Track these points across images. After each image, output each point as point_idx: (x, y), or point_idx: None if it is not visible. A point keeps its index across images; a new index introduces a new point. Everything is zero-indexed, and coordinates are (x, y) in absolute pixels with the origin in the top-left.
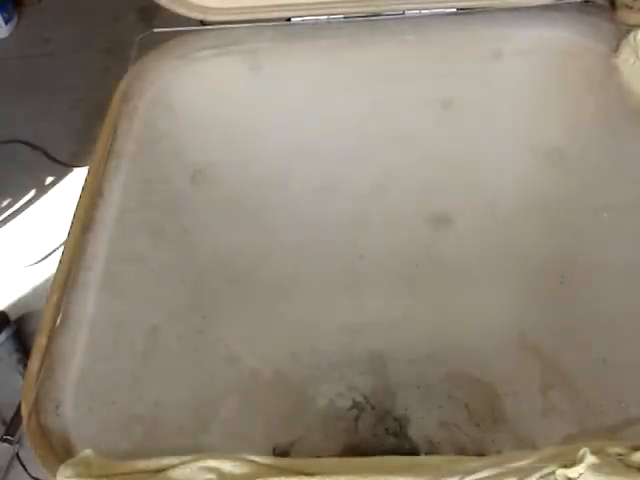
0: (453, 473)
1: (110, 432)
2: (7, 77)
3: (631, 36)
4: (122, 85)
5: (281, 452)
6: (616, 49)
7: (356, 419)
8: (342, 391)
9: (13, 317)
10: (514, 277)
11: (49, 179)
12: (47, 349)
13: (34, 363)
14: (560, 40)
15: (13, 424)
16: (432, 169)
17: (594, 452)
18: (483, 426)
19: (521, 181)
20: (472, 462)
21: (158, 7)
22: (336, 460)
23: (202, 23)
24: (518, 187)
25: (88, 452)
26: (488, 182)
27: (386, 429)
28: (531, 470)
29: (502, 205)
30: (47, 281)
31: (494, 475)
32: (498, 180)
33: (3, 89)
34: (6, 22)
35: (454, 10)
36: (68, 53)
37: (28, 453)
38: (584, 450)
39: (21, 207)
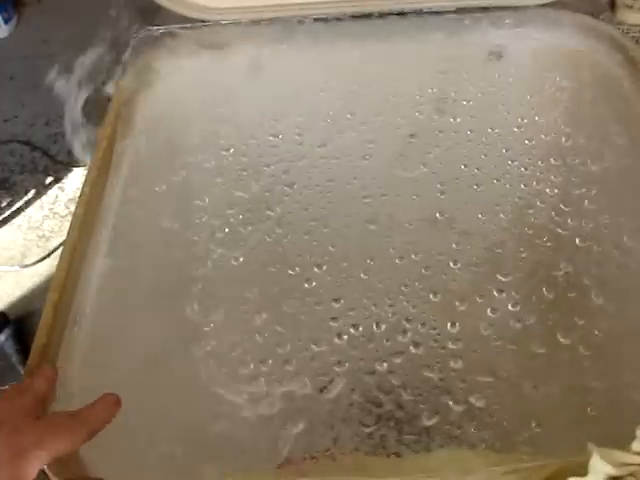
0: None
1: (113, 435)
2: (7, 77)
3: None
4: (121, 85)
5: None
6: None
7: None
8: None
9: (13, 317)
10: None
11: (49, 179)
12: (47, 349)
13: (33, 363)
14: (560, 40)
15: None
16: (432, 169)
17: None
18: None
19: (521, 181)
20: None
21: (158, 7)
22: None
23: (202, 22)
24: (519, 187)
25: None
26: (489, 182)
27: None
28: None
29: (503, 205)
30: (47, 281)
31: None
32: (498, 180)
33: (3, 89)
34: (6, 22)
35: (453, 9)
36: (68, 53)
37: None
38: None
39: (21, 207)
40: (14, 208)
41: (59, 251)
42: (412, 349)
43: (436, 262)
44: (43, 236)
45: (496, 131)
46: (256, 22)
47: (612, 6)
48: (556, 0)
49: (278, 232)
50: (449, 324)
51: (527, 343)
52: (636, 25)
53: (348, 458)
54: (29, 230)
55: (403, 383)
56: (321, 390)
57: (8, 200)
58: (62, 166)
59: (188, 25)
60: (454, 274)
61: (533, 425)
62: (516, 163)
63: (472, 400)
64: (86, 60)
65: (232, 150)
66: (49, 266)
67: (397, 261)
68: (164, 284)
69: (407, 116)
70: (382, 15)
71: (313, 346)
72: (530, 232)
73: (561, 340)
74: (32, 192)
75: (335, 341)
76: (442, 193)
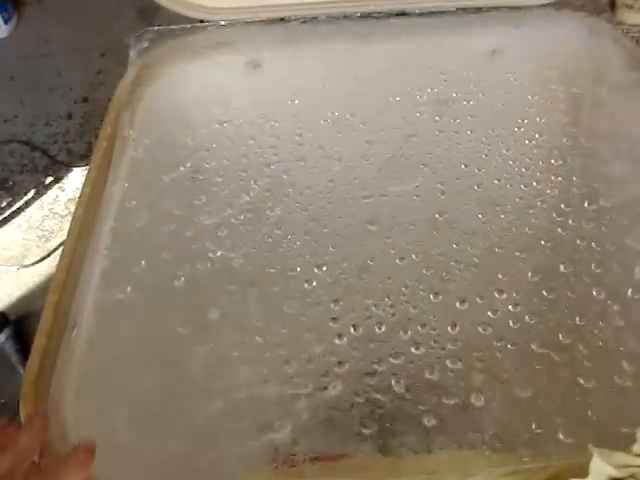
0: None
1: (112, 434)
2: (7, 77)
3: None
4: (121, 85)
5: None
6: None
7: None
8: None
9: (13, 317)
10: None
11: (49, 179)
12: (47, 349)
13: (33, 363)
14: (560, 40)
15: None
16: (433, 169)
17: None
18: None
19: (522, 181)
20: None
21: (158, 7)
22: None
23: (201, 22)
24: (519, 187)
25: None
26: (489, 182)
27: None
28: None
29: (504, 206)
30: (47, 281)
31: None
32: (499, 180)
33: (3, 89)
34: (6, 22)
35: (454, 9)
36: (68, 53)
37: None
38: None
39: (21, 207)
40: (14, 208)
41: (59, 251)
42: (413, 350)
43: (436, 263)
44: (43, 236)
45: (496, 131)
46: (256, 22)
47: (612, 6)
48: (556, 0)
49: (278, 232)
50: (449, 325)
51: (527, 344)
52: (636, 25)
53: (348, 459)
54: (29, 230)
55: (403, 384)
56: (321, 391)
57: (8, 200)
58: (62, 166)
59: (188, 25)
60: (454, 275)
61: (534, 426)
62: (517, 163)
63: (472, 401)
64: None
65: (232, 150)
66: (49, 266)
67: (397, 262)
68: (164, 285)
69: (407, 116)
70: (382, 15)
71: (313, 347)
72: (531, 232)
73: (562, 341)
74: (32, 192)
75: (335, 342)
76: (442, 193)
